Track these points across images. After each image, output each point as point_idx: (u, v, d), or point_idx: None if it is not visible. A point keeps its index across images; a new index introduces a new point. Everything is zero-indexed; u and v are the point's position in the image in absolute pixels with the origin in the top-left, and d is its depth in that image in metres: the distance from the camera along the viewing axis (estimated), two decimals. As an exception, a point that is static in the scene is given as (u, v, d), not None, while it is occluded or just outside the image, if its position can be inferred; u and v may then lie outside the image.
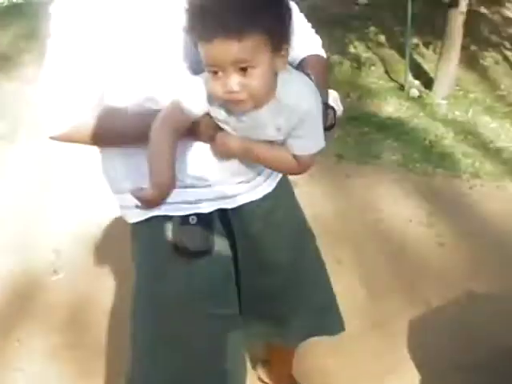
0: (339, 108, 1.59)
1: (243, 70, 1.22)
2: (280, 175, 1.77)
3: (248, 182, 1.63)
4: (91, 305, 3.03)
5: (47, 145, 4.37)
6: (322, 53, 1.71)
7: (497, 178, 4.46)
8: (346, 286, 3.10)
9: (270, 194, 1.71)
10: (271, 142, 1.43)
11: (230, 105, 1.32)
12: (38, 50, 6.60)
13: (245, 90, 1.25)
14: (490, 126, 5.49)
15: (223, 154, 1.49)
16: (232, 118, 1.38)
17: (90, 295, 3.09)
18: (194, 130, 1.44)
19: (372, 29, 7.53)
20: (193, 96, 1.37)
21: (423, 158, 4.70)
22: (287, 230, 1.83)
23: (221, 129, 1.44)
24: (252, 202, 1.67)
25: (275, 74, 1.30)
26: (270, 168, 1.59)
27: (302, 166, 1.46)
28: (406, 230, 3.72)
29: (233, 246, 1.70)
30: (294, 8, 1.55)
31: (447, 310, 2.99)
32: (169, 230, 1.60)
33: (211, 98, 1.35)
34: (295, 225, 1.89)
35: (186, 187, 1.55)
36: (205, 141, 1.48)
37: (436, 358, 2.69)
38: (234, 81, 1.23)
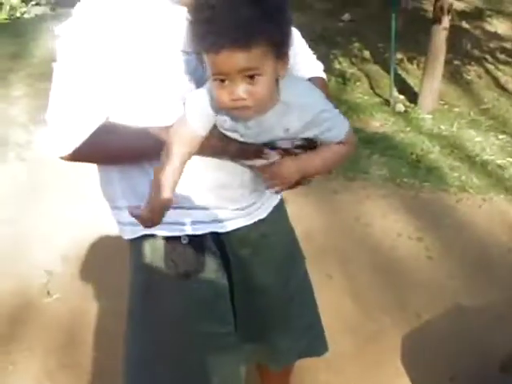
0: None
1: (250, 77, 1.26)
2: (276, 200, 1.80)
3: (243, 209, 1.65)
4: (86, 325, 3.02)
5: (36, 165, 4.43)
6: (324, 76, 1.76)
7: (483, 191, 4.50)
8: (337, 302, 3.13)
9: (264, 218, 1.74)
10: (311, 149, 1.49)
11: (236, 112, 1.35)
12: (23, 69, 6.64)
13: (251, 97, 1.28)
14: (475, 140, 5.54)
15: (286, 185, 1.51)
16: (239, 125, 1.41)
17: (85, 315, 3.09)
18: (207, 145, 1.47)
19: (356, 45, 7.60)
20: (198, 111, 1.41)
21: (410, 173, 4.74)
22: (278, 255, 1.84)
23: (226, 137, 1.47)
24: (246, 226, 1.69)
25: (277, 80, 1.35)
26: (333, 167, 1.60)
27: (349, 143, 1.51)
28: (396, 245, 3.75)
29: (227, 266, 1.72)
30: (296, 34, 1.60)
31: (438, 323, 3.02)
32: (161, 248, 1.63)
33: (216, 108, 1.39)
34: (287, 249, 1.90)
35: (181, 208, 1.57)
36: (221, 156, 1.51)
37: (429, 371, 2.72)
38: (242, 88, 1.27)
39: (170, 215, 1.56)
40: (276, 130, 1.41)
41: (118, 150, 1.53)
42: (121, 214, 1.66)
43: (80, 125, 1.48)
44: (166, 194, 1.41)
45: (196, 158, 1.50)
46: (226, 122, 1.42)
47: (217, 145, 1.47)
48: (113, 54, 1.44)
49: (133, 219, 1.61)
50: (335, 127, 1.45)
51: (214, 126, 1.45)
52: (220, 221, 1.63)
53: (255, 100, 1.29)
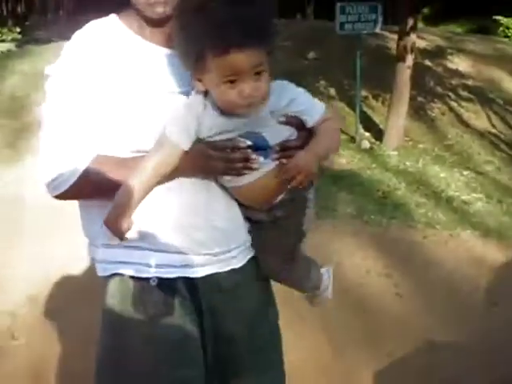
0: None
1: (257, 73, 1.34)
2: (251, 253, 1.76)
3: (215, 255, 1.63)
4: (54, 369, 2.95)
5: (2, 204, 4.36)
6: None
7: (449, 227, 4.56)
8: (308, 341, 3.11)
9: (239, 268, 1.71)
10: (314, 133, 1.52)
11: (247, 109, 1.39)
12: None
13: (258, 92, 1.36)
14: (440, 176, 5.63)
15: (309, 175, 1.49)
16: (226, 126, 1.43)
17: (53, 359, 3.01)
18: (189, 164, 1.47)
19: (322, 82, 7.71)
20: (179, 125, 1.43)
21: (377, 210, 4.78)
22: (250, 307, 1.77)
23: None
24: (218, 273, 1.67)
25: None
26: (337, 144, 1.64)
27: (333, 118, 1.58)
28: (365, 282, 3.76)
29: (199, 309, 1.69)
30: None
31: (410, 360, 3.02)
32: (130, 288, 1.60)
33: (200, 120, 1.42)
34: (259, 302, 1.85)
35: (150, 250, 1.55)
36: (207, 175, 1.52)
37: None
38: (251, 85, 1.34)
39: (135, 255, 1.55)
40: (264, 117, 1.45)
41: (109, 183, 1.52)
42: (96, 251, 1.64)
43: (73, 163, 1.48)
44: (122, 211, 1.46)
45: (163, 196, 1.51)
46: (211, 130, 1.43)
47: (200, 163, 1.47)
48: (101, 94, 1.47)
49: (106, 257, 1.60)
50: (312, 107, 1.52)
51: (197, 142, 1.45)
52: (190, 266, 1.60)
53: (262, 94, 1.37)
